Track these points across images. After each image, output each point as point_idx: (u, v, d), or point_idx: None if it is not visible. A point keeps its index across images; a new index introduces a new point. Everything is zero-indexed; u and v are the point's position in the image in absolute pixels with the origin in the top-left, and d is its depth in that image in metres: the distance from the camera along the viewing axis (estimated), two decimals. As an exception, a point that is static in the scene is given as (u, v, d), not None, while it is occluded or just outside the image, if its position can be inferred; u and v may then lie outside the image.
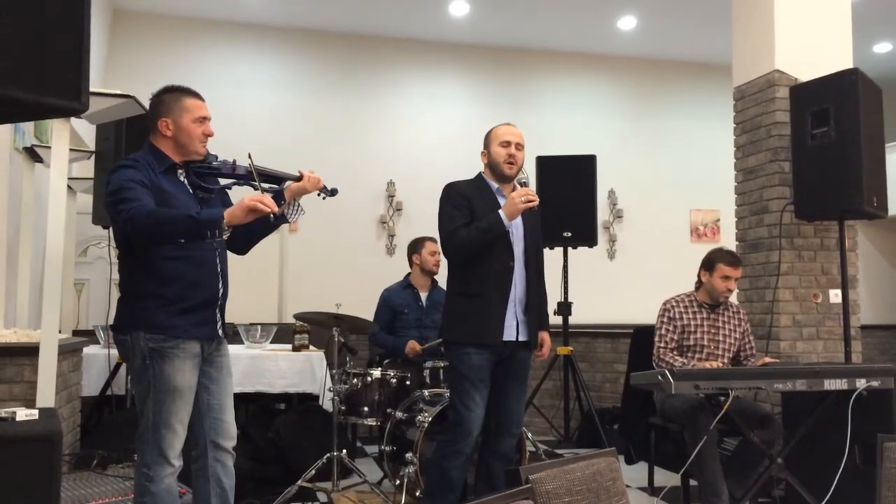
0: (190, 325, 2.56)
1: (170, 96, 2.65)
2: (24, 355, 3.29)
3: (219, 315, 2.69)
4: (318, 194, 2.87)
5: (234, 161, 2.70)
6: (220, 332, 2.70)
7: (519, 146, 3.29)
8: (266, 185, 2.73)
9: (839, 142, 4.12)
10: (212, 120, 2.72)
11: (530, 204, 3.11)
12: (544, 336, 3.39)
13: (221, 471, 2.68)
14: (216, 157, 2.71)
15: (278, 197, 2.78)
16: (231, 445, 2.72)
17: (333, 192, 2.89)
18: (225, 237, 2.56)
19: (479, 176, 3.39)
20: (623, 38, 7.52)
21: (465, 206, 3.22)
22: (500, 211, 3.15)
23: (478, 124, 7.19)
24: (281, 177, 2.79)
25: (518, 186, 3.26)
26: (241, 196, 2.67)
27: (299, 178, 2.79)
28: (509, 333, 3.21)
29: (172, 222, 2.39)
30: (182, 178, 2.68)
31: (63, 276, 3.42)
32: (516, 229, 3.26)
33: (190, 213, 2.40)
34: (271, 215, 2.51)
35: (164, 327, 2.51)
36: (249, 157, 2.67)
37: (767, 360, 4.00)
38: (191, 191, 2.68)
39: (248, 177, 2.68)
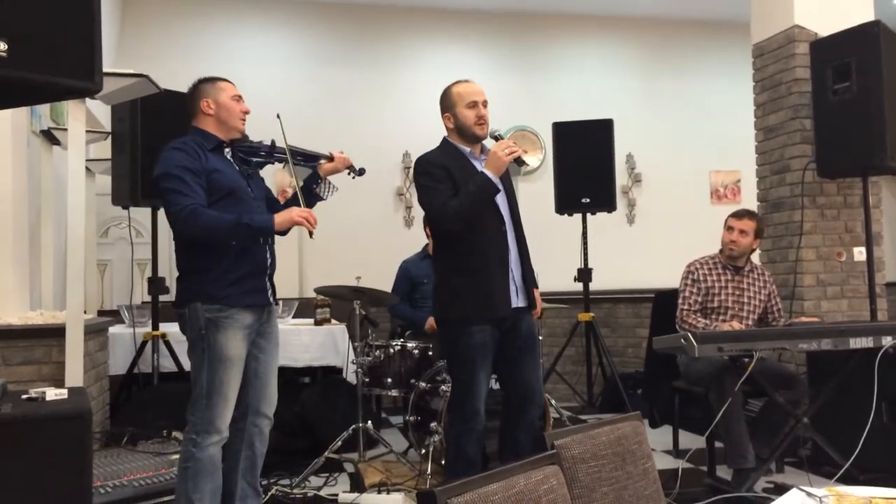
0: (243, 293, 2.72)
1: (205, 82, 2.86)
2: (51, 336, 3.33)
3: (269, 283, 2.86)
4: (348, 173, 3.07)
5: (273, 141, 2.92)
6: (272, 299, 2.87)
7: (485, 103, 3.13)
8: (302, 165, 2.99)
9: (861, 96, 4.04)
10: None
11: (514, 155, 2.94)
12: (537, 295, 3.21)
13: (257, 436, 2.85)
14: (253, 140, 2.93)
15: (314, 176, 3.01)
16: (271, 412, 2.89)
17: (362, 172, 3.10)
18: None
19: (446, 142, 3.17)
20: (637, -2, 7.40)
21: (446, 176, 3.00)
22: (484, 170, 2.94)
23: (492, 92, 7.12)
24: (314, 156, 3.00)
25: (491, 143, 3.06)
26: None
27: (330, 158, 3.00)
28: (512, 301, 3.06)
29: (228, 230, 2.62)
30: (229, 157, 2.85)
31: (85, 257, 3.45)
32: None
33: (245, 221, 2.62)
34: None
35: (220, 297, 2.67)
36: (278, 117, 2.91)
37: (804, 319, 3.96)
38: (237, 168, 2.85)
39: (285, 157, 2.89)
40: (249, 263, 2.75)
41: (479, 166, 3.04)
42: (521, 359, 3.12)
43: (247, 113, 2.88)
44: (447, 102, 3.17)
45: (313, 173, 3.01)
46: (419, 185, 3.08)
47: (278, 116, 2.91)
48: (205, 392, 2.65)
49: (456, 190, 2.97)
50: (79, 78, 1.88)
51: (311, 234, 2.71)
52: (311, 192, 3.00)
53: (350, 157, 3.03)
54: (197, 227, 2.60)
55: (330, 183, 3.04)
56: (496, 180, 2.94)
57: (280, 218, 2.67)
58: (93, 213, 4.68)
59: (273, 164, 2.97)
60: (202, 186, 2.66)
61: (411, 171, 7.17)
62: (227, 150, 2.85)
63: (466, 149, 3.12)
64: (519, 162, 3.01)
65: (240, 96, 2.87)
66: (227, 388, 2.67)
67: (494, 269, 3.01)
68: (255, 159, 2.91)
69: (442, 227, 3.03)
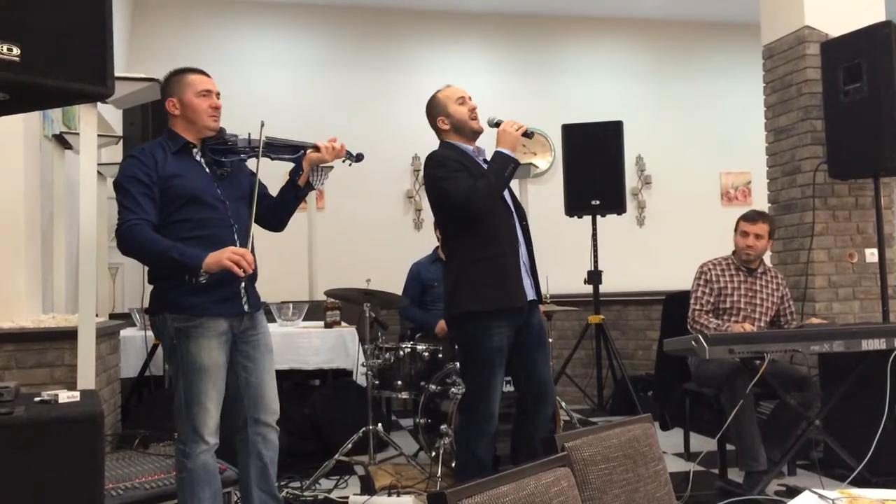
0: (212, 302, 2.60)
1: (174, 77, 2.72)
2: (63, 339, 3.35)
3: (244, 291, 2.69)
4: (344, 161, 2.89)
5: (249, 135, 2.74)
6: (246, 307, 2.70)
7: (471, 98, 3.20)
8: (283, 158, 2.81)
9: (873, 97, 4.03)
10: (223, 96, 2.76)
11: (522, 129, 3.03)
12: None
13: (262, 444, 2.76)
14: (232, 135, 2.74)
15: (297, 168, 2.84)
16: (273, 420, 2.79)
17: (359, 158, 2.91)
18: (203, 280, 2.52)
19: (448, 144, 3.18)
20: None
21: (462, 167, 3.03)
22: (498, 148, 3.03)
23: (501, 95, 7.18)
24: (297, 146, 2.83)
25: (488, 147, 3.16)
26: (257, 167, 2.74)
27: (316, 148, 2.81)
28: (527, 292, 3.07)
29: (156, 255, 2.52)
30: (198, 158, 2.72)
31: (97, 260, 3.46)
32: None
33: (171, 254, 2.48)
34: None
35: (187, 306, 2.57)
36: (262, 124, 2.70)
37: (815, 320, 3.95)
38: (207, 169, 2.71)
39: (262, 151, 2.72)
40: (220, 271, 2.53)
41: (482, 164, 3.10)
42: (534, 356, 3.14)
43: (217, 108, 2.70)
44: (437, 107, 3.20)
45: (297, 166, 2.83)
46: (435, 178, 3.05)
47: (262, 124, 2.70)
48: (183, 402, 2.58)
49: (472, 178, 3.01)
50: (91, 82, 1.89)
51: (241, 277, 2.52)
52: (295, 184, 2.83)
53: (344, 144, 2.85)
54: (128, 245, 2.51)
55: (321, 170, 2.86)
56: (513, 155, 3.03)
57: (210, 259, 2.47)
58: (104, 216, 4.70)
59: (246, 159, 2.79)
60: (151, 199, 2.55)
61: (421, 173, 7.21)
62: (195, 150, 2.71)
63: (468, 147, 3.17)
64: (528, 134, 3.07)
65: (209, 90, 2.68)
66: (205, 398, 2.57)
67: (509, 257, 3.03)
68: (227, 158, 2.72)
69: (470, 209, 2.97)
